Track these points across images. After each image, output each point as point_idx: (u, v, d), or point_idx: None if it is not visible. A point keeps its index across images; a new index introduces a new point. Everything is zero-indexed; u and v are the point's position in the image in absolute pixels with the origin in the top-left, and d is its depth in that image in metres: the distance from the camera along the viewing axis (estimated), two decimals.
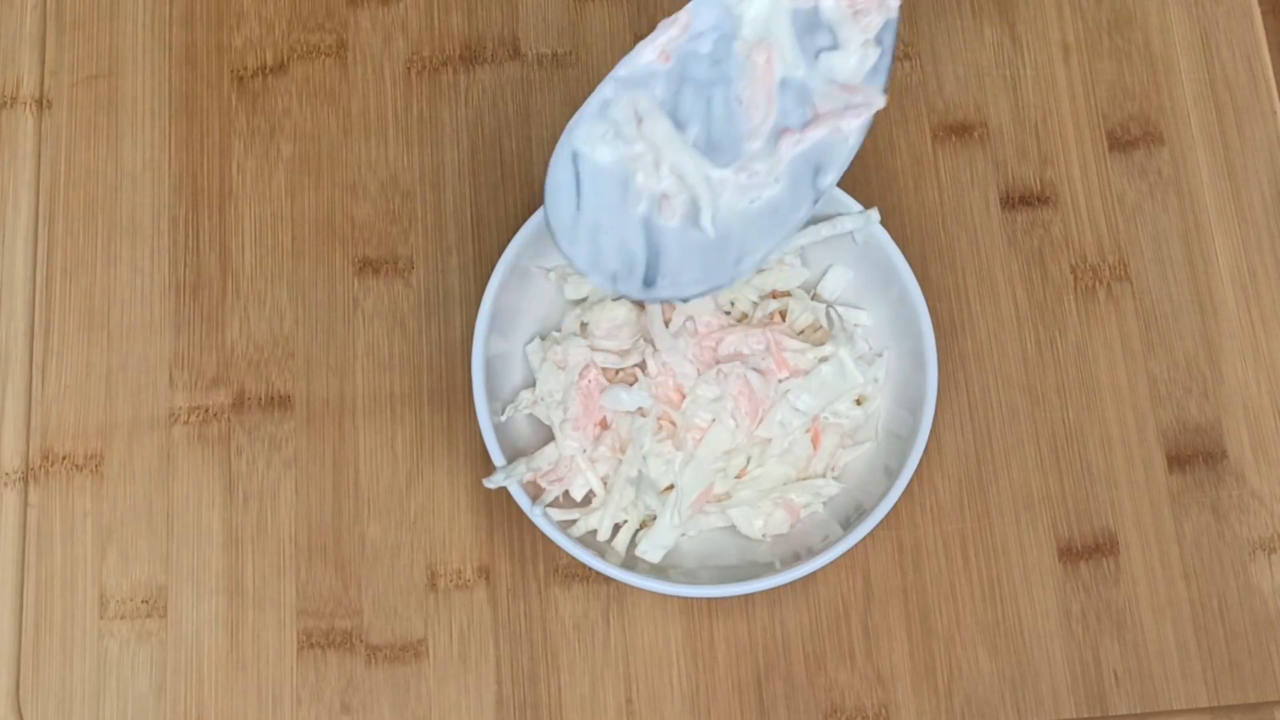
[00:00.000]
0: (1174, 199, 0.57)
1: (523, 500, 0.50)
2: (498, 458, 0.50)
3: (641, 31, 0.58)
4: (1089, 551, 0.53)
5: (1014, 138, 0.57)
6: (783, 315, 0.53)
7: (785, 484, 0.52)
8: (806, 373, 0.52)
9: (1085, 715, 0.52)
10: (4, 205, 0.57)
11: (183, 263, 0.56)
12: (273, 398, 0.55)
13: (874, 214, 0.52)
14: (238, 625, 0.53)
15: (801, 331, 0.53)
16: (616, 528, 0.52)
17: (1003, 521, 0.54)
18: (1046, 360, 0.55)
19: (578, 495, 0.52)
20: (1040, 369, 0.55)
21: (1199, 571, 0.53)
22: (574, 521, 0.51)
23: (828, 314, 0.53)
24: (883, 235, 0.52)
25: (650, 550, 0.51)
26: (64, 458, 0.54)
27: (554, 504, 0.51)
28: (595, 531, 0.51)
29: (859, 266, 0.53)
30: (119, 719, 0.52)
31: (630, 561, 0.51)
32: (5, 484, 0.54)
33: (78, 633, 0.53)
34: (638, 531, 0.52)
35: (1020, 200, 0.57)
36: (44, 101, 0.58)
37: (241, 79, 0.58)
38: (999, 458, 0.54)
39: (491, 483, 0.50)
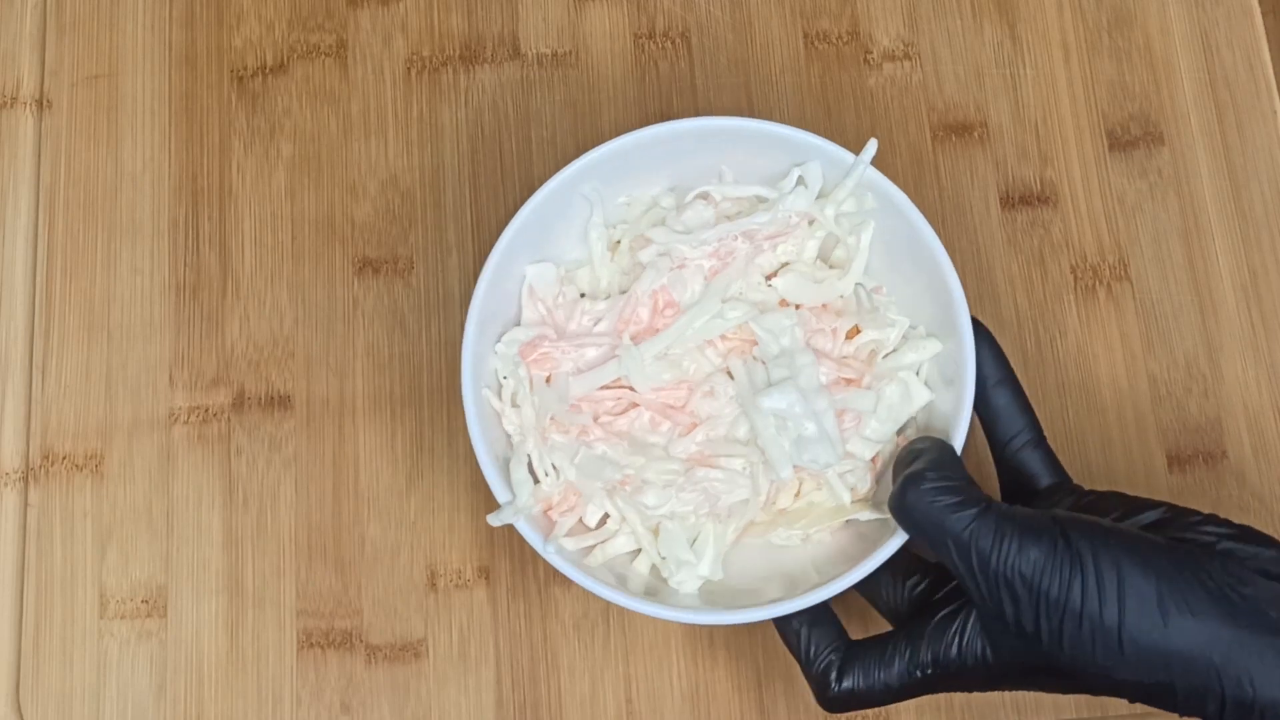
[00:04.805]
0: (1174, 199, 0.57)
1: (533, 538, 0.46)
2: (502, 493, 0.47)
3: (641, 31, 0.58)
4: None
5: (1014, 138, 0.57)
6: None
7: (836, 512, 0.49)
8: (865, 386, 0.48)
9: (1085, 715, 0.52)
10: (4, 205, 0.57)
11: (183, 263, 0.56)
12: (273, 398, 0.55)
13: (870, 148, 0.48)
14: (238, 625, 0.53)
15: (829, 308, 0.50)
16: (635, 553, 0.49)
17: None
18: (1046, 360, 0.55)
19: (592, 521, 0.49)
20: (1040, 369, 0.55)
21: None
22: (591, 549, 0.48)
23: (856, 293, 0.50)
24: (889, 188, 0.48)
25: (686, 580, 0.48)
26: (64, 458, 0.54)
27: (570, 534, 0.48)
28: (613, 560, 0.48)
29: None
30: (119, 719, 0.52)
31: (654, 586, 0.48)
32: (5, 484, 0.54)
33: (78, 633, 0.53)
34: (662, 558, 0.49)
35: (1020, 200, 0.57)
36: (44, 101, 0.58)
37: (241, 79, 0.58)
38: None
39: (497, 520, 0.47)
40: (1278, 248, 0.56)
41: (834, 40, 0.58)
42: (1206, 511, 0.43)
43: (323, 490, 0.54)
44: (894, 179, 0.56)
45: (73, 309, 0.56)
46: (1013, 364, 0.55)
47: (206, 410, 0.55)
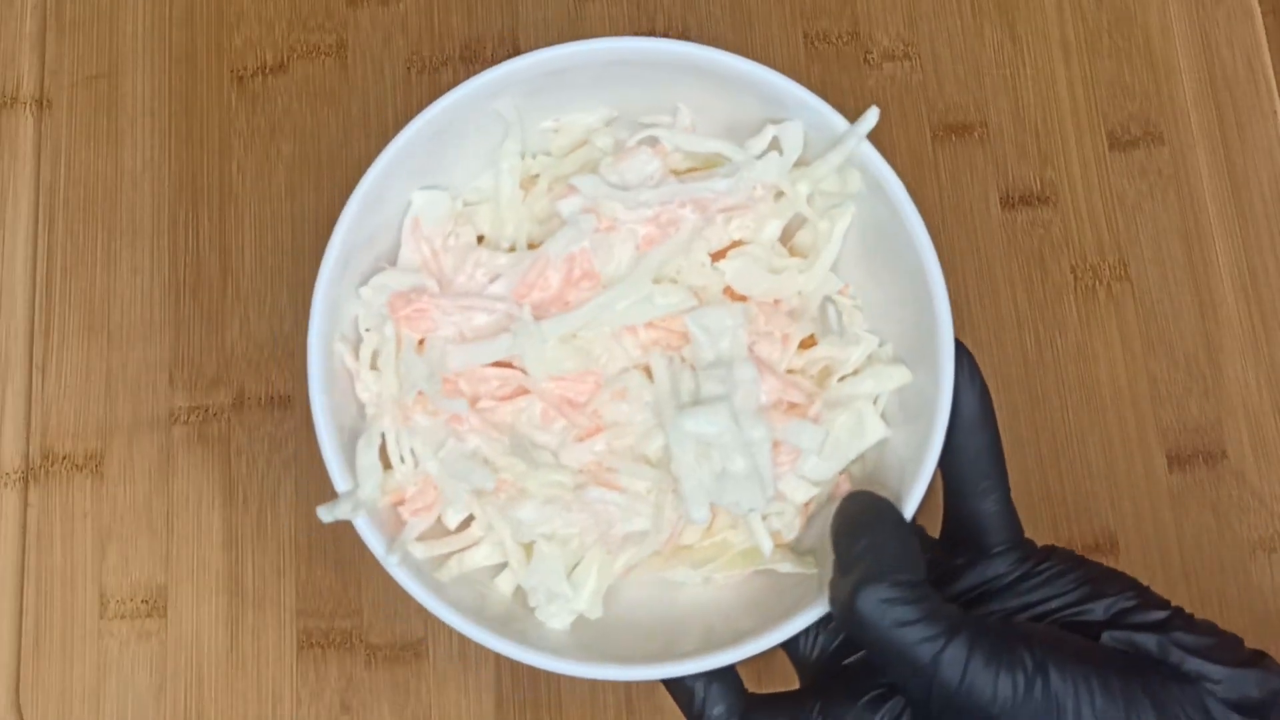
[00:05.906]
0: (1174, 199, 0.57)
1: (374, 542, 0.38)
2: (341, 479, 0.38)
3: (641, 31, 0.58)
4: (1089, 551, 0.53)
5: (1014, 138, 0.57)
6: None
7: (750, 557, 0.41)
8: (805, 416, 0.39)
9: None
10: (4, 205, 0.57)
11: (183, 263, 0.56)
12: (273, 398, 0.55)
13: (870, 117, 0.40)
14: (238, 625, 0.53)
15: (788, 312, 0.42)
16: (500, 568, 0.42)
17: None
18: (1046, 360, 0.55)
19: (452, 522, 0.41)
20: (1040, 369, 0.55)
21: (1199, 571, 0.53)
22: (446, 558, 0.40)
23: (824, 307, 0.41)
24: (884, 171, 0.40)
25: (557, 615, 0.39)
26: (64, 458, 0.54)
27: (423, 537, 0.40)
28: (471, 575, 0.40)
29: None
30: (119, 719, 0.52)
31: (517, 613, 0.40)
32: (5, 484, 0.54)
33: (78, 633, 0.53)
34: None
35: (1020, 200, 0.57)
36: (44, 101, 0.58)
37: (241, 79, 0.58)
38: None
39: (329, 514, 0.39)
40: (1278, 248, 0.56)
41: (834, 40, 0.58)
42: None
43: (323, 490, 0.54)
44: None
45: (73, 309, 0.56)
46: (1012, 364, 0.55)
47: (206, 410, 0.55)
